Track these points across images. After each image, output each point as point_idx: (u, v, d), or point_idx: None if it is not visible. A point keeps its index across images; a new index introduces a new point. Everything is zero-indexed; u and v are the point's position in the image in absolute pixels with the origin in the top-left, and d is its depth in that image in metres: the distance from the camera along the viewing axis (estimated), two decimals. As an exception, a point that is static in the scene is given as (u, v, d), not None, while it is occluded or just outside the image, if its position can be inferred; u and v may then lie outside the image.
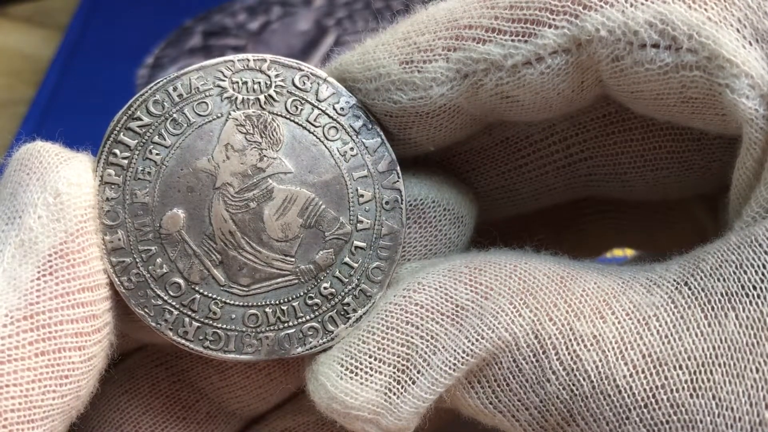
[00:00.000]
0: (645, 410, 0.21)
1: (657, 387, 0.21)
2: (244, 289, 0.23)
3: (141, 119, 0.23)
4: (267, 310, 0.23)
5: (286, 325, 0.23)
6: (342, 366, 0.22)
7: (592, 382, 0.21)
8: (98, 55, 0.57)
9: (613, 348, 0.21)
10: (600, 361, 0.21)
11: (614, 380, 0.21)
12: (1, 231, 0.22)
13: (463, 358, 0.22)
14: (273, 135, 0.24)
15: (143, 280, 0.23)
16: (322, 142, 0.24)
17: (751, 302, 0.21)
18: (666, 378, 0.21)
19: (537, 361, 0.21)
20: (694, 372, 0.21)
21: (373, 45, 0.24)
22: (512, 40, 0.22)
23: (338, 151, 0.24)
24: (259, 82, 0.24)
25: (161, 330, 0.23)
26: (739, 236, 0.21)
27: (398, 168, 0.24)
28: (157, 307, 0.23)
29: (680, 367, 0.21)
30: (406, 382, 0.22)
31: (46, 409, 0.21)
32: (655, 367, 0.21)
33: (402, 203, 0.24)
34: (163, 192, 0.23)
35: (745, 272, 0.21)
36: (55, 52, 0.58)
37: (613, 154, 0.27)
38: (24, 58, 0.59)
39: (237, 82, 0.24)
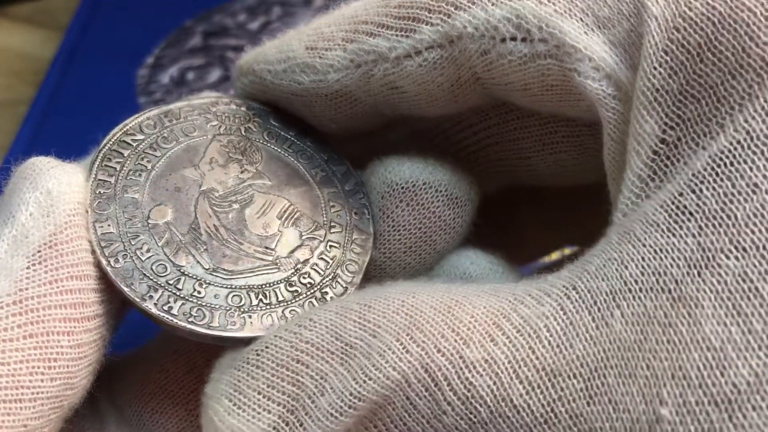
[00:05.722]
0: (546, 426, 0.20)
1: (554, 400, 0.20)
2: (229, 273, 0.25)
3: (135, 135, 0.27)
4: (250, 293, 0.25)
5: (268, 307, 0.25)
6: (230, 401, 0.22)
7: (488, 407, 0.20)
8: (98, 55, 0.57)
9: (506, 368, 0.21)
10: (494, 384, 0.20)
11: (511, 401, 0.20)
12: None
13: (350, 401, 0.21)
14: (252, 155, 0.28)
15: (130, 261, 0.24)
16: (295, 162, 0.28)
17: (634, 297, 0.20)
18: (562, 389, 0.20)
19: (430, 395, 0.21)
20: (588, 379, 0.20)
21: (290, 34, 0.27)
22: (396, 35, 0.25)
23: (311, 170, 0.28)
24: (240, 116, 0.28)
25: (147, 307, 0.24)
26: (618, 233, 0.21)
27: (365, 188, 0.28)
28: (143, 285, 0.24)
29: (574, 375, 0.20)
30: (293, 423, 0.22)
31: (34, 390, 0.22)
32: (550, 380, 0.20)
33: (369, 215, 0.27)
34: (152, 190, 0.26)
35: (626, 267, 0.20)
36: (55, 52, 0.58)
37: (514, 139, 0.28)
38: (24, 58, 0.59)
39: (221, 115, 0.28)
